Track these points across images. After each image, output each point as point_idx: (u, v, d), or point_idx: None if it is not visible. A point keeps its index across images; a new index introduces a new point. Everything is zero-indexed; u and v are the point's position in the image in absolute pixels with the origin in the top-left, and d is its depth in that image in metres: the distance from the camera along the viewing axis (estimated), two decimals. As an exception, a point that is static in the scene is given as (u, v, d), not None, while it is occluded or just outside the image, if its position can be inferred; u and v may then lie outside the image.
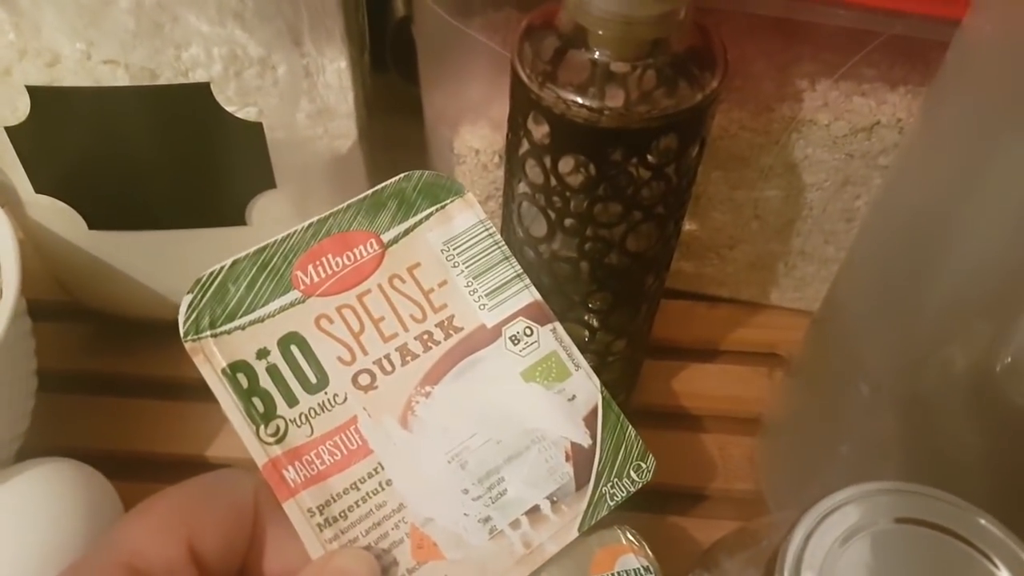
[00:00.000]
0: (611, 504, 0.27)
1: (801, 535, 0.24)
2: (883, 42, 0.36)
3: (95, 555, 0.23)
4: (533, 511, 0.26)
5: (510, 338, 0.27)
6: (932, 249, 0.29)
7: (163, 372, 0.43)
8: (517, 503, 0.26)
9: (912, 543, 0.24)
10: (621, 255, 0.33)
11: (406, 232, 0.28)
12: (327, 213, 0.27)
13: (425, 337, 0.27)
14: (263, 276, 0.26)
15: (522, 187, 0.33)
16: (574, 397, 0.27)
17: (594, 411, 0.27)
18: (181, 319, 0.25)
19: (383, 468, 0.25)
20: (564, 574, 0.31)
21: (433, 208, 0.28)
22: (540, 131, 0.31)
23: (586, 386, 0.27)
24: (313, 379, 0.25)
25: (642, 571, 0.31)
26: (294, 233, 0.27)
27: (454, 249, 0.28)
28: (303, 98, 0.37)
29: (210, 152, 0.36)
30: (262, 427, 0.24)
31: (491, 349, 0.27)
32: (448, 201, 0.28)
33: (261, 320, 0.25)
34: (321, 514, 0.24)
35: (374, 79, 0.44)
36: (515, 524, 0.25)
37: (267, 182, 0.37)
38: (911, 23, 0.33)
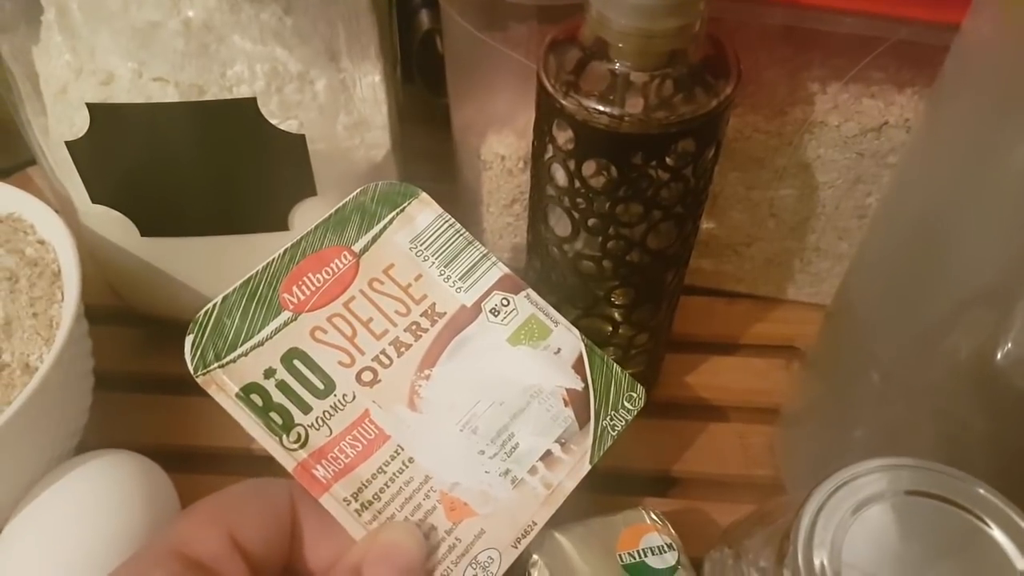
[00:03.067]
0: (613, 435, 0.29)
1: (814, 507, 0.26)
2: (890, 46, 0.37)
3: (150, 547, 0.25)
4: (546, 456, 0.28)
5: (490, 311, 0.30)
6: (936, 244, 0.30)
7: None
8: (530, 452, 0.28)
9: (916, 512, 0.26)
10: (642, 253, 0.35)
11: (374, 239, 0.30)
12: (299, 238, 0.29)
13: (414, 327, 0.29)
14: (254, 304, 0.28)
15: (548, 190, 0.35)
16: (559, 350, 0.30)
17: (580, 358, 0.30)
18: (188, 358, 0.27)
19: (403, 449, 0.27)
20: (593, 551, 0.33)
21: (393, 213, 0.31)
22: (564, 137, 0.33)
23: (568, 338, 0.30)
24: (320, 385, 0.27)
25: (665, 547, 0.33)
26: (272, 261, 0.29)
27: (421, 245, 0.30)
28: (341, 111, 0.39)
29: (255, 162, 0.38)
30: (284, 437, 0.26)
31: (475, 325, 0.29)
32: (406, 204, 0.31)
33: (261, 344, 0.28)
34: (356, 500, 0.26)
35: (403, 91, 0.46)
36: (533, 471, 0.28)
37: (308, 190, 0.39)
38: (914, 29, 0.35)
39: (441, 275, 0.30)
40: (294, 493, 0.27)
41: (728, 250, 0.48)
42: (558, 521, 0.34)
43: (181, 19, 0.36)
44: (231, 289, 0.28)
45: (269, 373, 0.27)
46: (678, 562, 0.33)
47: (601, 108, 0.31)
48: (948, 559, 0.26)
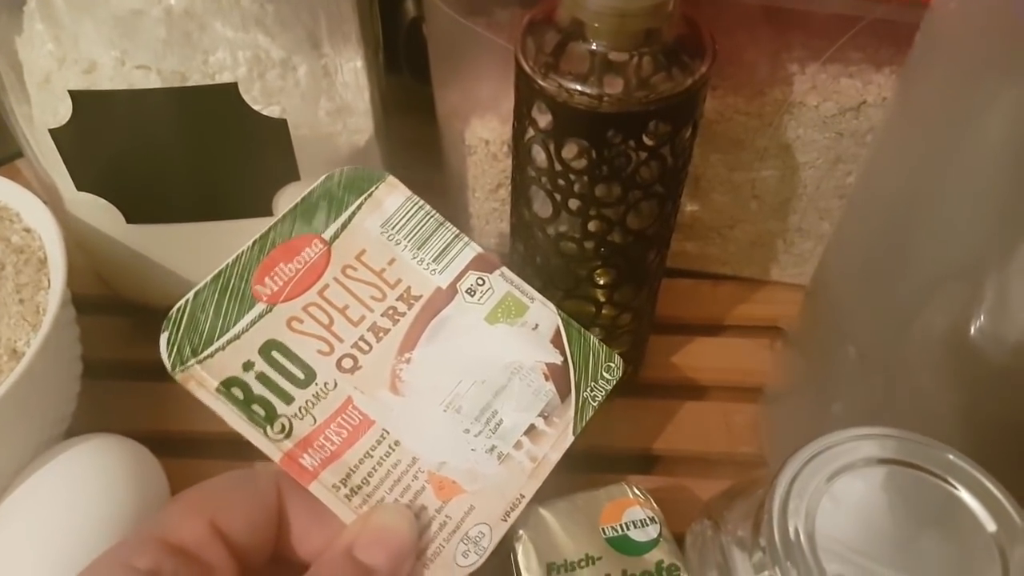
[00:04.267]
0: (594, 404, 0.29)
1: (788, 476, 0.27)
2: (867, 26, 0.38)
3: (137, 534, 0.25)
4: (530, 430, 0.28)
5: (466, 291, 0.30)
6: (910, 221, 0.31)
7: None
8: (515, 428, 0.28)
9: (889, 479, 0.26)
10: (623, 233, 0.35)
11: (343, 226, 0.30)
12: (267, 228, 0.29)
13: (390, 312, 0.29)
14: (227, 298, 0.28)
15: (529, 172, 0.35)
16: (537, 326, 0.30)
17: (557, 332, 0.30)
18: (164, 356, 0.27)
19: (388, 433, 0.27)
20: (576, 525, 0.34)
21: (361, 198, 0.30)
22: (544, 119, 0.33)
23: (545, 313, 0.30)
24: (301, 375, 0.27)
25: (647, 520, 0.34)
26: (242, 254, 0.28)
27: (392, 229, 0.30)
28: (323, 96, 0.39)
29: (238, 148, 0.39)
30: (268, 428, 0.26)
31: (452, 306, 0.30)
32: (373, 188, 0.31)
33: (237, 337, 0.27)
34: (345, 486, 0.26)
35: (388, 80, 0.46)
36: (518, 445, 0.28)
37: (292, 175, 0.40)
38: (890, 8, 0.35)
39: (414, 258, 0.30)
40: (281, 482, 0.27)
41: (712, 232, 0.49)
42: (542, 497, 0.34)
43: (163, 7, 0.36)
44: (202, 284, 0.28)
45: (248, 366, 0.27)
46: (660, 535, 0.33)
47: (579, 88, 0.31)
48: (921, 524, 0.26)
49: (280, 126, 0.38)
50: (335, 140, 0.40)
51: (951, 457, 0.26)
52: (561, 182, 0.34)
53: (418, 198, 0.31)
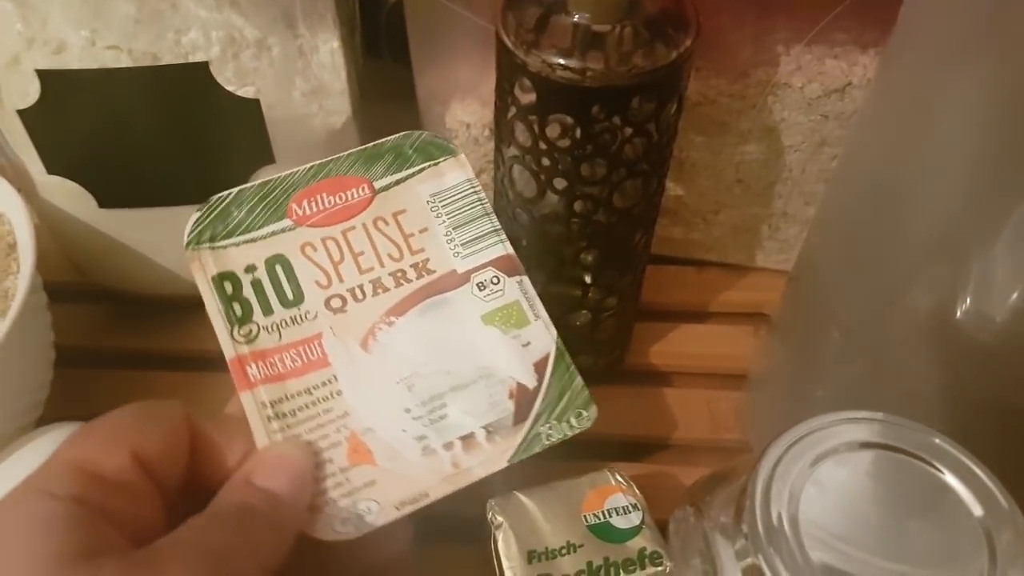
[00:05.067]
0: (545, 443, 0.28)
1: (771, 461, 0.26)
2: (852, 7, 0.37)
3: (47, 466, 0.24)
4: (468, 437, 0.27)
5: (477, 284, 0.29)
6: (892, 201, 0.31)
7: (174, 346, 0.45)
8: (454, 428, 0.27)
9: (873, 464, 0.26)
10: (608, 212, 0.35)
11: (397, 182, 0.30)
12: (329, 159, 0.30)
13: (399, 274, 0.29)
14: (263, 204, 0.29)
15: (512, 151, 0.35)
16: (529, 343, 0.29)
17: (545, 358, 0.29)
18: (187, 230, 0.28)
19: (336, 380, 0.27)
20: (557, 513, 0.33)
21: (426, 164, 0.31)
22: (527, 96, 0.32)
23: (542, 335, 0.29)
24: (290, 296, 0.28)
25: (630, 507, 0.33)
26: (296, 172, 0.30)
27: (440, 201, 0.30)
28: (298, 77, 0.38)
29: (212, 130, 0.38)
30: (236, 328, 0.27)
31: (458, 292, 0.29)
32: (441, 159, 0.31)
33: (254, 240, 0.29)
34: (272, 408, 0.27)
35: (370, 65, 0.46)
36: (448, 446, 0.27)
37: (266, 157, 0.39)
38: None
39: (447, 235, 0.30)
40: (188, 414, 0.27)
41: (697, 218, 0.48)
42: (523, 483, 0.34)
43: (135, -15, 0.35)
44: (250, 185, 0.29)
45: (250, 269, 0.28)
46: (642, 522, 0.33)
47: (562, 62, 0.30)
48: (906, 509, 0.26)
49: (254, 107, 0.37)
50: (310, 121, 0.40)
51: (936, 441, 0.26)
52: (545, 161, 0.33)
53: (478, 184, 0.31)
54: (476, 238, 0.30)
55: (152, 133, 0.38)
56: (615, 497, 0.33)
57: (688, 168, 0.46)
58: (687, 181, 0.46)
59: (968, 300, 0.29)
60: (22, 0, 0.36)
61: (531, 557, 0.32)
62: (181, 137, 0.38)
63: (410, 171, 0.30)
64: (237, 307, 0.28)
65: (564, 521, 0.33)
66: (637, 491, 0.34)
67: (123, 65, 0.36)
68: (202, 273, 0.28)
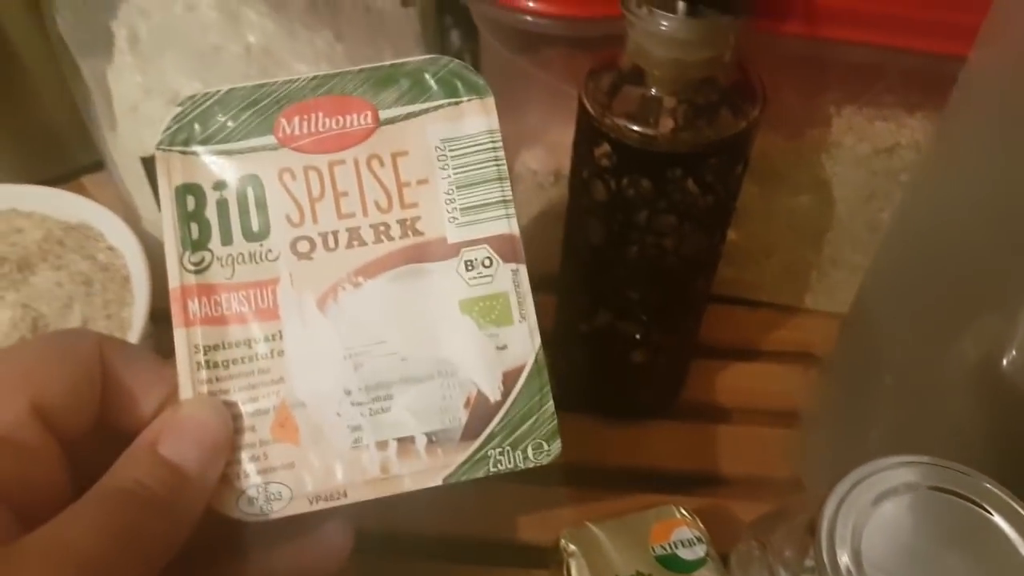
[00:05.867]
0: (492, 470, 0.24)
1: (836, 499, 0.29)
2: (899, 73, 0.40)
3: None
4: (406, 440, 0.24)
5: (466, 262, 0.26)
6: (946, 257, 0.33)
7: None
8: (393, 426, 0.24)
9: (930, 505, 0.28)
10: (675, 260, 0.38)
11: (407, 116, 0.26)
12: (336, 71, 0.26)
13: (381, 229, 0.25)
14: (250, 112, 0.25)
15: (586, 203, 0.37)
16: (505, 347, 0.25)
17: (519, 370, 0.25)
18: (162, 127, 0.25)
19: (281, 338, 0.24)
20: (626, 543, 0.35)
21: (446, 100, 0.26)
22: (605, 156, 0.35)
23: (523, 342, 0.25)
24: (255, 227, 0.25)
25: (695, 540, 0.35)
26: (296, 80, 0.26)
27: (450, 150, 0.26)
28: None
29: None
30: (188, 253, 0.24)
31: (441, 265, 0.25)
32: (465, 99, 0.26)
33: (230, 153, 0.25)
34: (205, 354, 0.24)
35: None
36: (382, 445, 0.24)
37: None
38: (921, 59, 0.37)
39: (447, 193, 0.26)
40: (104, 345, 0.24)
41: (749, 260, 0.51)
42: (593, 517, 0.36)
43: (243, 44, 0.38)
44: (243, 86, 0.25)
45: (219, 186, 0.25)
46: (707, 554, 0.35)
47: (639, 129, 0.33)
48: (958, 547, 0.28)
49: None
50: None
51: (987, 485, 0.28)
52: (619, 215, 0.36)
53: (500, 138, 0.26)
54: (480, 205, 0.26)
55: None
56: (680, 530, 0.35)
57: (743, 214, 0.48)
58: (742, 226, 0.49)
59: (1015, 351, 0.31)
60: (141, 54, 0.39)
61: (604, 584, 0.34)
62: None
63: (425, 105, 0.26)
64: (195, 228, 0.24)
65: (633, 552, 0.35)
66: (701, 525, 0.36)
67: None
68: (166, 180, 0.25)
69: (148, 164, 0.39)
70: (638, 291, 0.39)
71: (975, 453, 0.32)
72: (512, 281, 0.26)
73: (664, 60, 0.32)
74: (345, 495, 0.24)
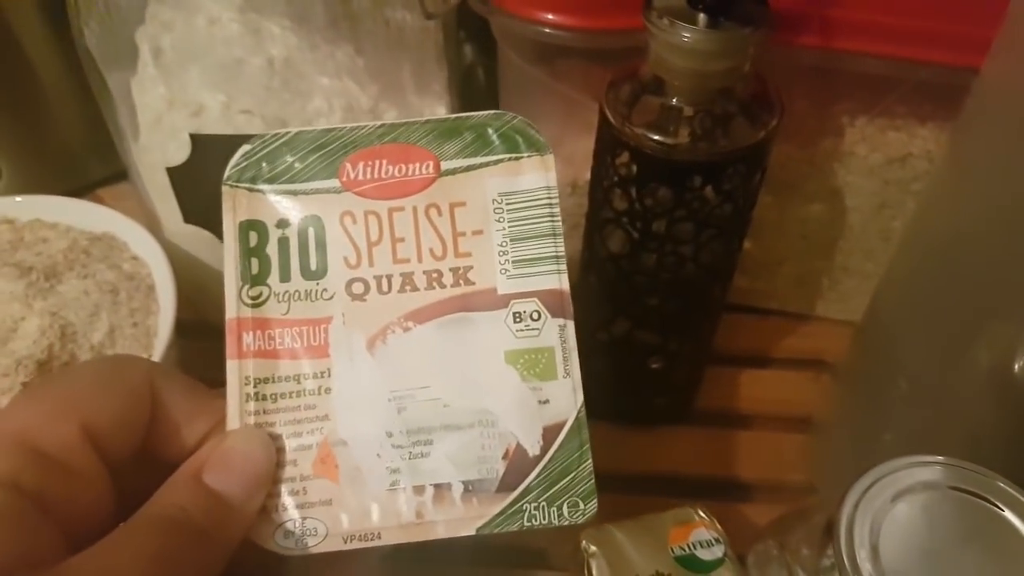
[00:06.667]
0: (525, 524, 0.24)
1: (853, 499, 0.29)
2: (912, 84, 0.40)
3: None
4: (442, 487, 0.25)
5: (514, 313, 0.26)
6: (959, 265, 0.34)
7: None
8: (431, 472, 0.25)
9: (946, 503, 0.29)
10: (693, 268, 0.38)
11: (468, 168, 0.27)
12: (403, 121, 0.27)
13: (434, 275, 0.26)
14: (317, 155, 0.26)
15: (607, 212, 0.38)
16: (547, 402, 0.25)
17: (560, 425, 0.25)
18: (232, 162, 0.26)
19: (329, 375, 0.25)
20: (646, 544, 0.36)
21: (506, 156, 0.27)
22: (625, 166, 0.36)
23: (565, 397, 0.25)
24: (313, 267, 0.26)
25: (713, 541, 0.36)
26: (364, 127, 0.27)
27: (507, 204, 0.26)
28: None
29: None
30: (247, 287, 0.25)
31: (490, 315, 0.26)
32: (525, 154, 0.27)
33: (295, 194, 0.26)
34: (255, 387, 0.24)
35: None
36: (419, 490, 0.24)
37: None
38: (934, 70, 0.38)
39: (500, 246, 0.26)
40: (153, 374, 0.24)
41: (762, 269, 0.51)
42: (612, 517, 0.37)
43: (265, 57, 0.39)
44: (312, 129, 0.27)
45: (282, 224, 0.26)
46: (725, 554, 0.35)
47: (660, 139, 0.34)
48: (975, 547, 0.28)
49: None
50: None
51: (1002, 485, 0.29)
52: (639, 223, 0.37)
53: (557, 195, 0.27)
54: (532, 259, 0.26)
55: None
56: (699, 531, 0.36)
57: (756, 223, 0.49)
58: (755, 235, 0.49)
59: (1025, 358, 0.32)
60: (165, 67, 0.40)
61: (624, 584, 0.35)
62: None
63: (486, 159, 0.26)
64: (255, 263, 0.25)
65: (653, 552, 0.35)
66: (719, 526, 0.37)
67: (255, 128, 0.40)
68: (231, 214, 0.26)
69: (174, 175, 0.40)
70: (657, 299, 0.40)
71: (988, 457, 0.33)
72: (559, 336, 0.26)
73: (684, 71, 0.33)
74: (379, 536, 0.24)
